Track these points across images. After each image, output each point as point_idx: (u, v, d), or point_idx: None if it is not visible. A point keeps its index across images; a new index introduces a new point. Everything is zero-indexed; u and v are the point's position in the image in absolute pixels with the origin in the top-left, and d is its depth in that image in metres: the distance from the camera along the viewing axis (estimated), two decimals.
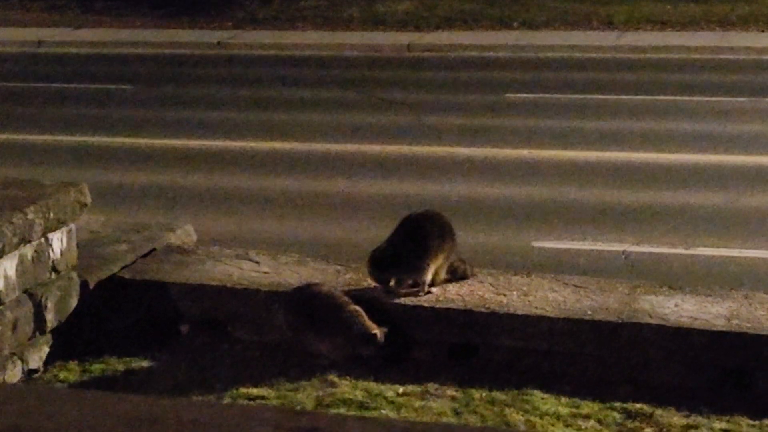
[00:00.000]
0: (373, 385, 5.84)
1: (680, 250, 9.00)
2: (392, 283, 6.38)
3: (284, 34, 21.76)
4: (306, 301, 6.19)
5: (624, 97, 15.37)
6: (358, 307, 6.11)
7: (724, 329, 5.87)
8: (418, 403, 5.64)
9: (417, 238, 6.39)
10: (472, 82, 16.81)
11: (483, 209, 10.07)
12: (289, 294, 6.27)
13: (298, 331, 6.19)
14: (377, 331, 6.00)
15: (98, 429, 1.48)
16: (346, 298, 6.17)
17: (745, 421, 5.53)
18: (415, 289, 6.34)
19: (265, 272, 6.66)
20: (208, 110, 15.01)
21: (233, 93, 16.34)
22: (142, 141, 13.29)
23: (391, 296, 6.32)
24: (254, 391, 5.77)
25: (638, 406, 5.64)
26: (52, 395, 1.74)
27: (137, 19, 23.39)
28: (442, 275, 6.41)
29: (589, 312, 6.07)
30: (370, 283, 6.47)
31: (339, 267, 6.77)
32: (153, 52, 20.32)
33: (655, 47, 19.35)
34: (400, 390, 5.80)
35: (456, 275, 6.49)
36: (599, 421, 5.50)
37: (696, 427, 5.45)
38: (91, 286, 6.48)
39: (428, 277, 6.34)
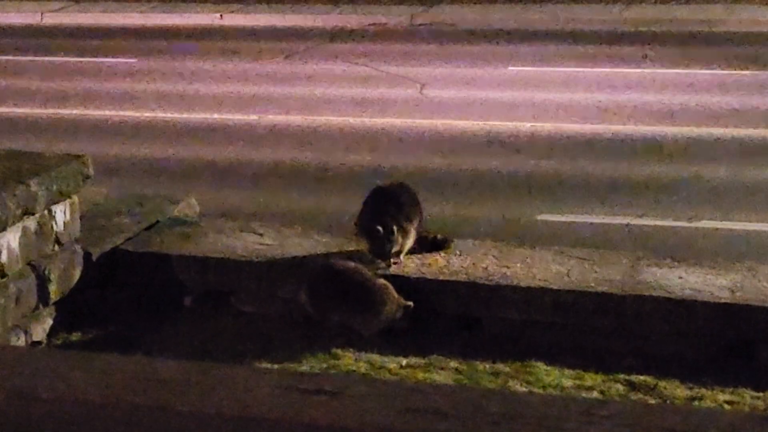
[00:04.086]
0: (376, 357, 5.85)
1: (684, 223, 8.99)
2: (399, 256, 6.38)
3: (288, 6, 21.69)
4: (332, 279, 6.15)
5: (627, 69, 15.32)
6: (385, 281, 6.09)
7: (728, 301, 5.87)
8: (421, 375, 5.65)
9: (396, 205, 6.43)
10: (475, 54, 16.75)
11: (487, 182, 10.06)
12: (311, 273, 6.23)
13: (324, 309, 6.15)
14: (410, 304, 5.99)
15: (105, 390, 1.49)
16: (371, 274, 6.15)
17: (748, 393, 5.53)
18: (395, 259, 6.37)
19: (269, 245, 6.65)
20: (211, 83, 14.98)
21: (235, 66, 16.30)
22: (146, 114, 13.28)
23: (389, 267, 6.31)
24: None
25: (642, 377, 5.65)
26: (58, 358, 1.74)
27: None
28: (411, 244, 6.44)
29: (593, 284, 6.07)
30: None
31: (343, 239, 6.76)
32: (156, 25, 20.27)
33: (660, 20, 19.27)
34: (404, 362, 5.81)
35: (424, 245, 6.49)
36: (603, 393, 5.51)
37: (700, 398, 5.46)
38: (94, 258, 6.48)
39: (409, 244, 6.37)
